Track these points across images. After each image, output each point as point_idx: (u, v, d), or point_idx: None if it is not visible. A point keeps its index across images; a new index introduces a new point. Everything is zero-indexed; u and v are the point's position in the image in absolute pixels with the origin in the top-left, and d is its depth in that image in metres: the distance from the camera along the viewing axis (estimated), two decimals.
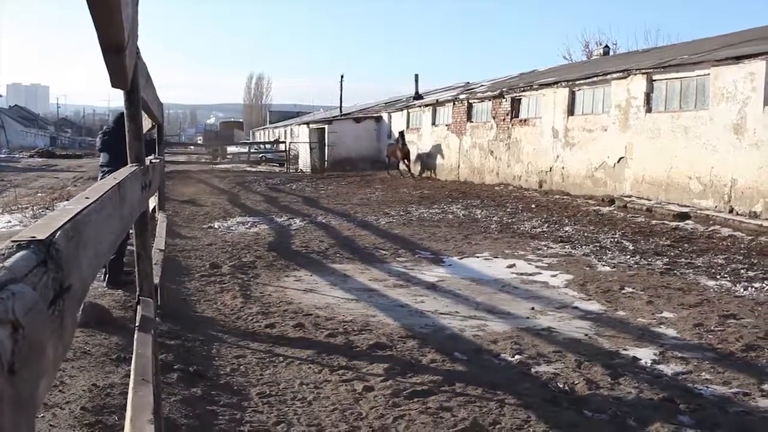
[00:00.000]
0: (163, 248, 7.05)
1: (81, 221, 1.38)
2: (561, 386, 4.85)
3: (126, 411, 2.15)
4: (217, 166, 36.86)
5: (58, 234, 1.17)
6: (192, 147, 52.78)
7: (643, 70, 16.14)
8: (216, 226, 13.39)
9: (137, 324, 2.87)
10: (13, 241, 1.09)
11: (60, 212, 1.40)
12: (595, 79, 18.04)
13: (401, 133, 28.40)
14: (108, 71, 2.38)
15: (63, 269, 1.12)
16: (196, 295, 7.66)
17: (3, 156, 46.11)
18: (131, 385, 2.14)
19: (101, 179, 8.00)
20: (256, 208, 16.92)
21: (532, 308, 7.20)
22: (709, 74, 14.06)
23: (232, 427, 4.15)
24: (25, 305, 0.85)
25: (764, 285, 8.00)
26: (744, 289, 7.84)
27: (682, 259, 9.69)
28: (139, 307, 3.15)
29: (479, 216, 14.75)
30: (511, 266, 9.43)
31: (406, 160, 27.56)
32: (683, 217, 13.31)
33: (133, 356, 2.50)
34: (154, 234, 7.60)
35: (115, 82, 2.56)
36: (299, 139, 39.14)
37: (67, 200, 14.01)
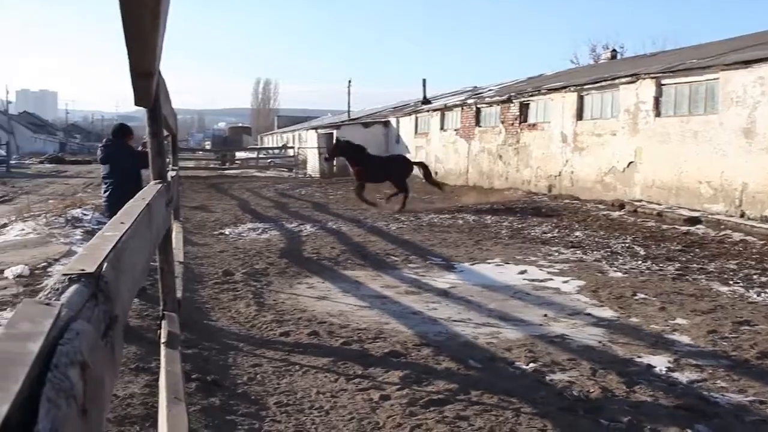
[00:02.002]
0: (183, 260, 7.08)
1: (121, 249, 1.41)
2: (576, 394, 4.87)
3: (158, 429, 2.18)
4: (226, 171, 36.98)
5: (105, 266, 1.20)
6: (200, 152, 52.76)
7: (652, 75, 16.13)
8: (227, 233, 13.43)
9: (164, 340, 2.90)
10: (64, 275, 1.13)
11: (101, 240, 1.44)
12: (603, 83, 18.03)
13: (338, 144, 19.24)
14: (134, 92, 2.42)
15: (111, 300, 1.16)
16: (210, 303, 7.70)
17: (13, 162, 46.32)
18: (163, 403, 2.16)
19: (106, 192, 8.04)
20: (267, 213, 16.95)
21: (545, 315, 7.20)
22: (718, 78, 14.05)
23: None
24: (88, 343, 0.88)
25: None
26: (757, 295, 7.83)
27: (694, 265, 9.67)
28: (164, 322, 3.18)
29: (489, 221, 14.75)
30: (522, 272, 9.43)
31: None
32: (694, 221, 13.29)
33: (162, 373, 2.53)
34: None
35: (140, 102, 2.61)
36: (307, 144, 39.26)
37: (80, 207, 14.00)
